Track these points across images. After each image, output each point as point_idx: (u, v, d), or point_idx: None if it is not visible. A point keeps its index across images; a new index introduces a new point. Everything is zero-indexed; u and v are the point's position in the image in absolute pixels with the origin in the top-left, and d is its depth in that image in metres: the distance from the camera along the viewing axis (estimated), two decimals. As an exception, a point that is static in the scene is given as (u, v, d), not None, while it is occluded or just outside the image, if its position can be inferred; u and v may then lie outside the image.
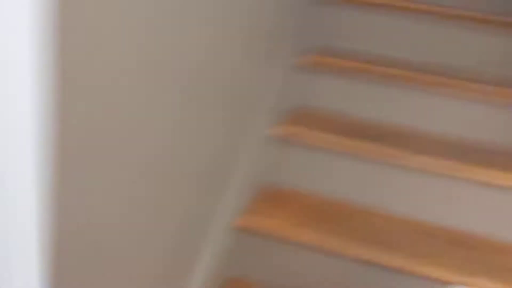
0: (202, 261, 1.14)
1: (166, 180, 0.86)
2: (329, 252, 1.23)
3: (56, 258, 0.60)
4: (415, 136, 1.47)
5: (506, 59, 1.63)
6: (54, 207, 0.57)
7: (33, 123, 0.50)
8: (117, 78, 0.64)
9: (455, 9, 1.63)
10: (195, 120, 0.93)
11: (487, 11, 1.75)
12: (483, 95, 1.45)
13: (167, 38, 0.75)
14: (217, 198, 1.15)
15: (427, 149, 1.37)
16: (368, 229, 1.26)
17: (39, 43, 0.48)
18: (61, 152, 0.56)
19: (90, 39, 0.57)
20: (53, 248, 0.58)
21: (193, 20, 0.83)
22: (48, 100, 0.51)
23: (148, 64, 0.71)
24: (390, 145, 1.35)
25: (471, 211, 1.31)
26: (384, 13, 1.68)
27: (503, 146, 1.45)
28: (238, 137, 1.21)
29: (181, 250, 1.01)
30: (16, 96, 0.49)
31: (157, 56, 0.73)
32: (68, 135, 0.57)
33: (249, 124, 1.29)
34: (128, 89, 0.68)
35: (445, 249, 1.23)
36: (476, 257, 1.21)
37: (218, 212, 1.17)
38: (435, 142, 1.44)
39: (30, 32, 0.47)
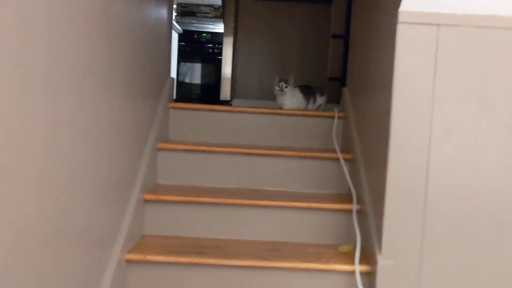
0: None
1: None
2: None
3: None
4: (238, 244, 2.01)
5: (302, 177, 2.31)
6: None
7: None
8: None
9: (265, 149, 2.30)
10: (62, 256, 1.34)
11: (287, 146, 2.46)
12: (288, 206, 2.07)
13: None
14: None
15: (242, 252, 1.89)
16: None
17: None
18: None
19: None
20: None
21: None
22: None
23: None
24: (212, 254, 1.86)
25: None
26: (207, 153, 2.29)
27: (309, 244, 2.05)
28: (102, 264, 1.62)
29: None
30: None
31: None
32: None
33: (111, 252, 1.70)
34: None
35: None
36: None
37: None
38: (251, 245, 1.99)
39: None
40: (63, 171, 1.27)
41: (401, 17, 1.66)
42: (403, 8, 1.66)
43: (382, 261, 1.74)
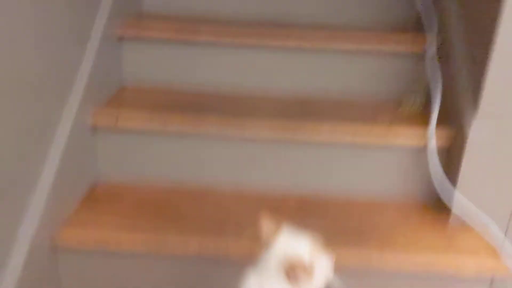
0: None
1: None
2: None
3: None
4: (251, 98, 1.39)
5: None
6: None
7: None
8: None
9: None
10: None
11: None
12: (329, 42, 1.40)
13: None
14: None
15: (264, 113, 1.29)
16: (205, 213, 1.19)
17: None
18: None
19: None
20: None
21: None
22: None
23: None
24: (224, 113, 1.26)
25: (314, 171, 1.30)
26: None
27: (355, 96, 1.43)
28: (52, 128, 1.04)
29: None
30: None
31: None
32: None
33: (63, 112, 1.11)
34: None
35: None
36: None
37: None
38: (274, 102, 1.38)
39: None
40: None
41: None
42: None
43: (479, 121, 1.15)
